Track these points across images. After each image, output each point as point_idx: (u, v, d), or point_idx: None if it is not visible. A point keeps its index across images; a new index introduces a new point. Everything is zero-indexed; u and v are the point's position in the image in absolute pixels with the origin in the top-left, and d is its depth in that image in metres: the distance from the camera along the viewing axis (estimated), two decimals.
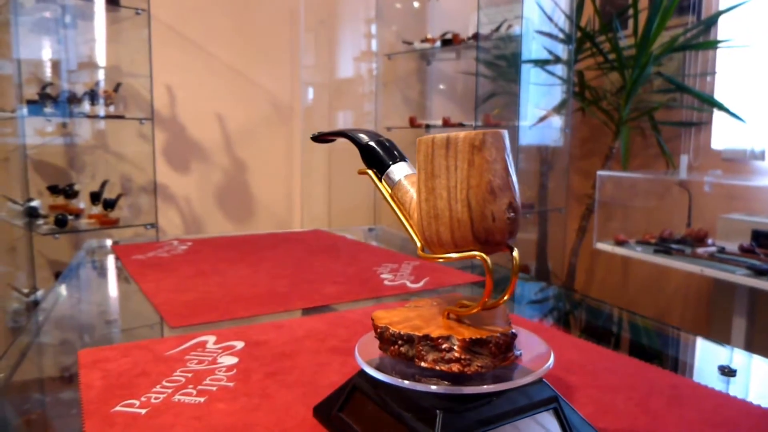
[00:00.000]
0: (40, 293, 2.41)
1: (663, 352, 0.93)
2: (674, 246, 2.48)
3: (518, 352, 0.55)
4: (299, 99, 3.32)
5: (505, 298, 0.55)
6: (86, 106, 2.53)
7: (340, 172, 3.42)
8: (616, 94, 3.04)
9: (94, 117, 2.62)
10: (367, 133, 0.65)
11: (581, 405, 0.66)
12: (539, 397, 0.56)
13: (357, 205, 3.51)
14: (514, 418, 0.54)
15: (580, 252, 3.25)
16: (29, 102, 2.38)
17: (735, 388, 0.73)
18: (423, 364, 0.54)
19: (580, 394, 0.69)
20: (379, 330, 0.57)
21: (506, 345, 0.53)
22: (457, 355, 0.53)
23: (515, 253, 0.53)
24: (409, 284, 1.17)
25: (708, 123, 2.78)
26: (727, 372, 0.76)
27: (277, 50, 3.25)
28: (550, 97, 3.13)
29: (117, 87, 2.64)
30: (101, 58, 2.81)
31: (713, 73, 2.74)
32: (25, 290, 2.50)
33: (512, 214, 0.52)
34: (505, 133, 0.53)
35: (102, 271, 1.33)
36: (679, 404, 0.66)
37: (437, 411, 0.52)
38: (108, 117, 2.64)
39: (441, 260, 0.56)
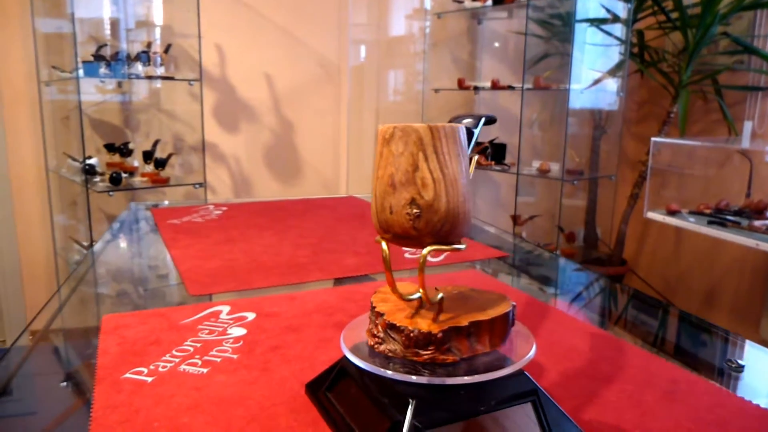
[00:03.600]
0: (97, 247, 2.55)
1: (676, 344, 0.91)
2: (730, 218, 2.37)
3: (457, 357, 0.54)
4: (347, 59, 3.30)
5: (417, 294, 0.57)
6: (139, 67, 2.60)
7: None
8: (678, 56, 2.88)
9: (146, 78, 2.70)
10: (471, 117, 0.68)
11: (571, 396, 0.66)
12: (517, 390, 0.57)
13: None
14: (489, 410, 0.55)
15: (631, 220, 3.15)
16: (84, 62, 2.46)
17: (740, 385, 0.71)
18: (366, 331, 0.58)
19: (572, 384, 0.69)
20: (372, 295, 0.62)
21: (418, 341, 0.53)
22: (375, 332, 0.56)
23: (424, 251, 0.53)
24: (429, 258, 1.18)
25: None
26: (735, 367, 0.74)
27: (324, 9, 3.23)
28: (606, 58, 2.99)
29: (167, 48, 2.70)
30: (158, 18, 2.87)
31: None
32: (85, 243, 2.65)
33: (416, 211, 0.51)
34: (456, 128, 0.52)
35: (137, 236, 1.39)
36: (673, 399, 0.65)
37: (410, 399, 0.53)
38: (157, 78, 2.71)
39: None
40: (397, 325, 0.54)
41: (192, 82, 2.71)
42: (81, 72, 2.41)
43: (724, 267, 2.95)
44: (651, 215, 2.62)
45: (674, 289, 3.22)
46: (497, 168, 3.11)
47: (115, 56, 2.55)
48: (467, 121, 0.67)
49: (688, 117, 2.89)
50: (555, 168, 2.95)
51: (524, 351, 0.59)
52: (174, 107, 2.90)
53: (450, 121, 0.68)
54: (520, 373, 0.58)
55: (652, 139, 2.77)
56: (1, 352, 0.81)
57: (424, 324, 0.54)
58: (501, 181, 3.47)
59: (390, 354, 0.55)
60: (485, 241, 1.47)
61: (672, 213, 2.53)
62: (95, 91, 2.77)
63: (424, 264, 0.53)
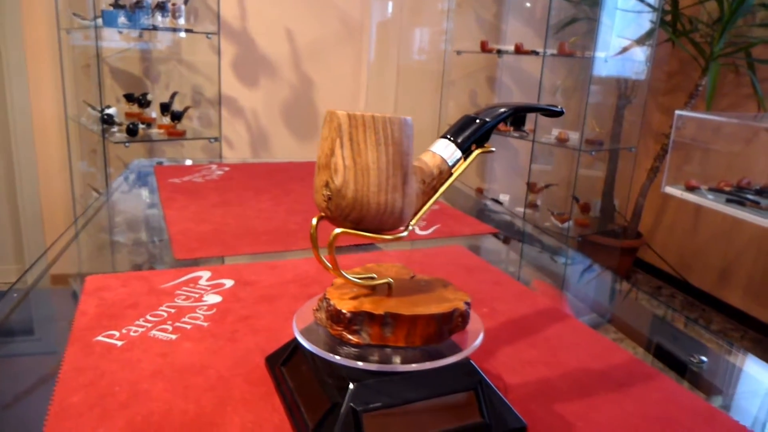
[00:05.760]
0: (98, 203, 2.61)
1: (649, 336, 0.90)
2: (750, 197, 2.31)
3: (363, 341, 0.57)
4: (370, 14, 3.24)
5: (341, 274, 0.59)
6: (158, 18, 2.60)
7: (408, 95, 3.37)
8: (712, 26, 2.77)
9: (164, 30, 2.69)
10: (505, 106, 0.69)
11: (521, 384, 0.67)
12: (460, 379, 0.58)
13: (422, 130, 3.47)
14: (429, 397, 0.57)
15: (650, 194, 3.10)
16: (104, 11, 2.47)
17: (699, 381, 0.72)
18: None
19: (527, 371, 0.70)
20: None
21: (332, 316, 0.57)
22: (320, 299, 0.60)
23: (335, 231, 0.55)
24: (417, 230, 1.18)
25: None
26: (696, 363, 0.74)
27: None
28: (636, 25, 2.89)
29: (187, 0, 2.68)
30: None
31: None
32: (102, 191, 2.71)
33: (327, 193, 0.53)
34: (379, 119, 0.52)
35: (137, 195, 1.42)
36: (625, 393, 0.66)
37: (350, 382, 0.55)
38: (175, 30, 2.71)
39: None
40: (326, 296, 0.58)
41: (210, 35, 2.70)
42: (100, 21, 2.42)
43: (741, 245, 2.90)
44: (669, 190, 2.57)
45: (689, 265, 3.18)
46: (515, 134, 3.06)
47: (136, 5, 2.54)
48: (501, 110, 0.68)
49: (717, 90, 2.80)
50: (574, 137, 2.90)
51: (473, 339, 0.60)
52: (195, 59, 2.90)
53: (478, 112, 0.68)
54: (466, 362, 0.59)
55: (676, 112, 2.69)
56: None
57: (345, 302, 0.57)
58: (519, 147, 3.43)
59: (318, 322, 0.59)
60: (488, 214, 1.47)
61: (691, 189, 2.48)
62: (118, 39, 2.78)
63: (332, 244, 0.55)
